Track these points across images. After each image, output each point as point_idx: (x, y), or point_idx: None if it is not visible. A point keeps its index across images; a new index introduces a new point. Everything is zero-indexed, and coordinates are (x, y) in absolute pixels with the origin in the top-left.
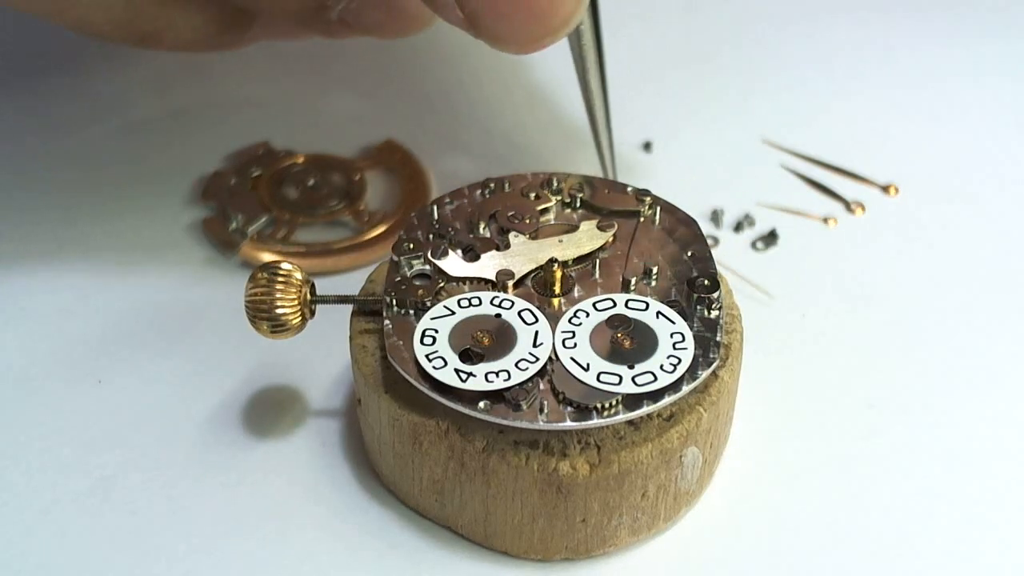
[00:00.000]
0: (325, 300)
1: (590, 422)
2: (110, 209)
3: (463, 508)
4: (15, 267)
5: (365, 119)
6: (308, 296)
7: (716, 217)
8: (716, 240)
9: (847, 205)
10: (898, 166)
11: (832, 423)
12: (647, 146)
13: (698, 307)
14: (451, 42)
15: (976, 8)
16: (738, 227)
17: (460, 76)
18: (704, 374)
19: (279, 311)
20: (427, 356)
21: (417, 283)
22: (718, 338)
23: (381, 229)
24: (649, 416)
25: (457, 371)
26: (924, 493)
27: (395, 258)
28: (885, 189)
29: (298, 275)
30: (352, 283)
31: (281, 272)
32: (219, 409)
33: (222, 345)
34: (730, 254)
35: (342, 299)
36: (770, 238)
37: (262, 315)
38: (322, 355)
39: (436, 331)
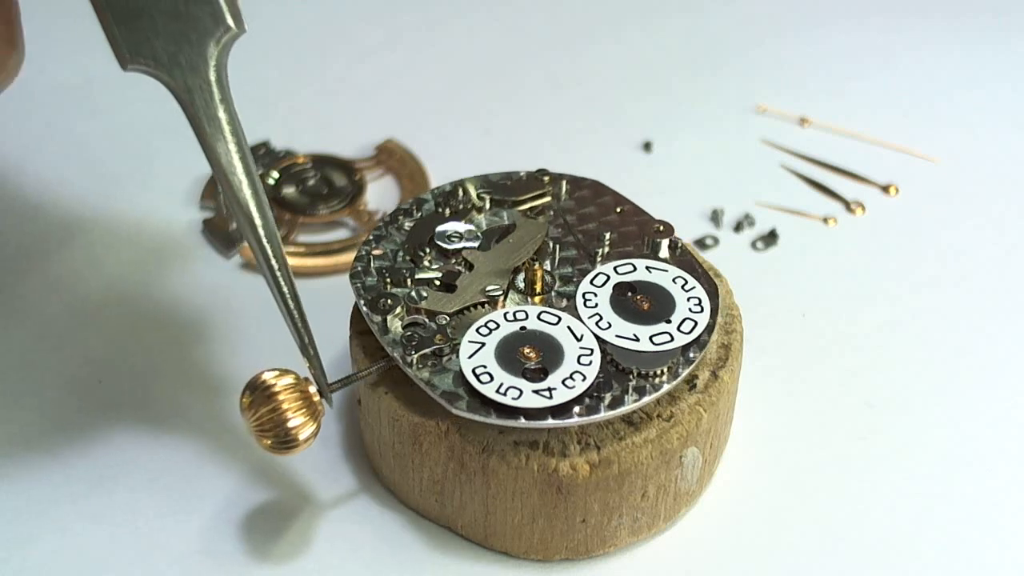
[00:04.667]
0: (336, 385)
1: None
2: (110, 209)
3: (463, 508)
4: (15, 267)
5: (365, 119)
6: (313, 398)
7: (716, 217)
8: (716, 240)
9: (847, 205)
10: (898, 166)
11: (832, 423)
12: (647, 146)
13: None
14: (451, 42)
15: (976, 9)
16: (738, 227)
17: (460, 76)
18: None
19: (291, 424)
20: (497, 390)
21: (422, 333)
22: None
23: None
24: (648, 416)
25: (537, 392)
26: (923, 493)
27: (377, 321)
28: (885, 189)
29: (284, 380)
30: None
31: (273, 388)
32: (218, 408)
33: (221, 345)
34: (730, 254)
35: (357, 376)
36: (770, 238)
37: (279, 441)
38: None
39: (484, 366)
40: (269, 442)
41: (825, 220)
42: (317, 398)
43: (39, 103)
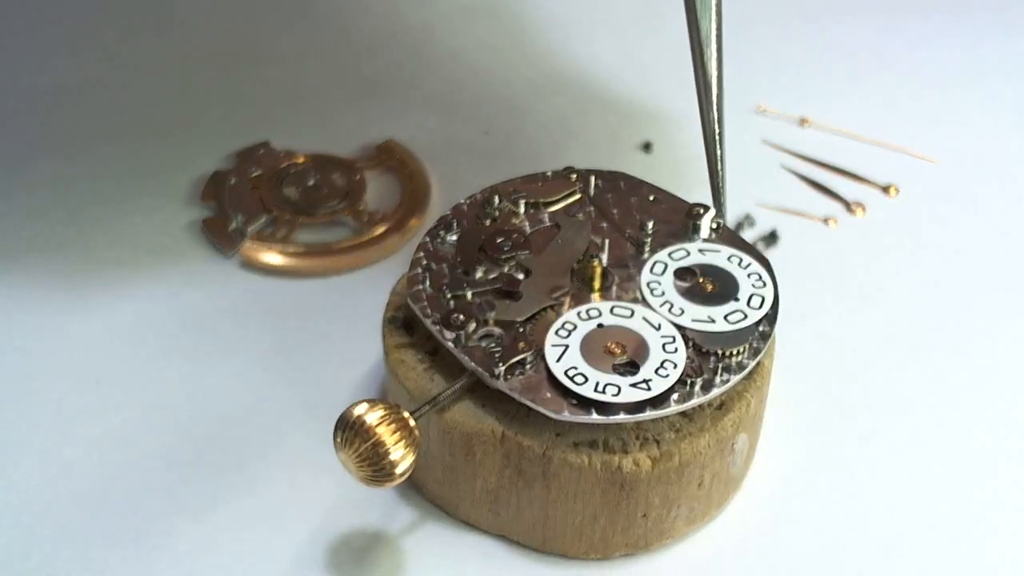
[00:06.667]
0: (425, 408)
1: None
2: (110, 209)
3: (519, 515)
4: (16, 267)
5: (365, 119)
6: (409, 422)
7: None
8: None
9: (847, 205)
10: (898, 166)
11: (832, 423)
12: (647, 146)
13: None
14: (451, 42)
15: (975, 9)
16: (738, 227)
17: (460, 76)
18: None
19: (392, 457)
20: (595, 389)
21: (502, 344)
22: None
23: (381, 229)
24: (700, 406)
25: (634, 385)
26: (923, 493)
27: (451, 337)
28: (885, 189)
29: (377, 413)
30: (352, 283)
31: (369, 422)
32: (224, 413)
33: (222, 345)
34: None
35: (443, 397)
36: (770, 238)
37: (381, 472)
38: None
39: (575, 367)
40: (367, 474)
41: (825, 221)
42: (413, 423)
43: (39, 103)
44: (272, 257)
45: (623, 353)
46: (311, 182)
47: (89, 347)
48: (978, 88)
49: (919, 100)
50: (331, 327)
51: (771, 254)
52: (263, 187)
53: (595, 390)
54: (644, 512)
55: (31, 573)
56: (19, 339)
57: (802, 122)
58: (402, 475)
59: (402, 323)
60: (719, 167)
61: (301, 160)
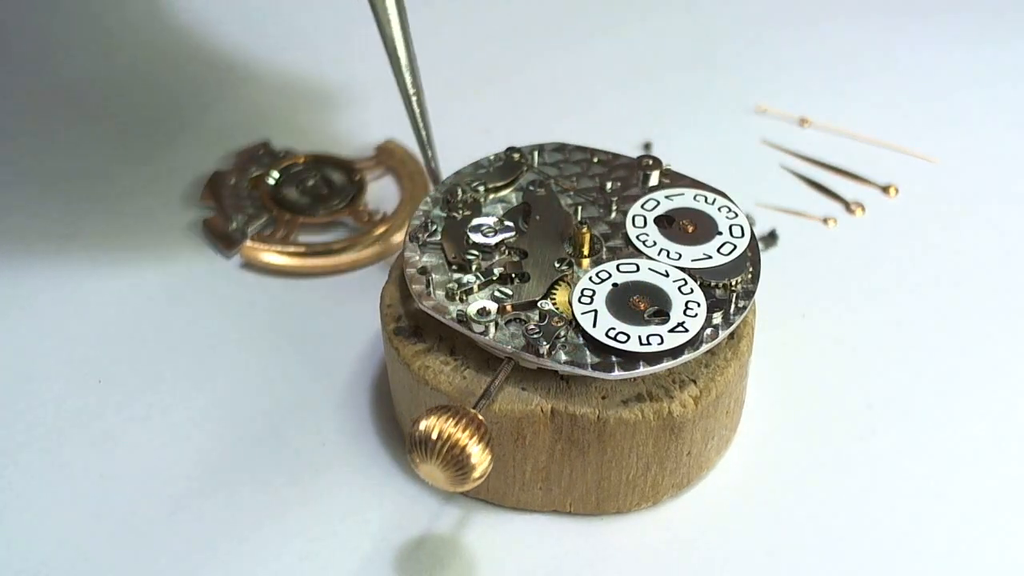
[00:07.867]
0: (484, 401)
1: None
2: (110, 209)
3: (572, 485)
4: (16, 267)
5: (365, 119)
6: (477, 416)
7: None
8: None
9: (847, 205)
10: (898, 166)
11: (832, 422)
12: (647, 146)
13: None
14: (451, 42)
15: (976, 10)
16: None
17: (460, 76)
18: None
19: (474, 459)
20: (640, 343)
21: (536, 325)
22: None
23: (381, 229)
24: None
25: (672, 331)
26: (923, 493)
27: (480, 330)
28: (885, 189)
29: (450, 421)
30: (352, 283)
31: (445, 432)
32: (222, 410)
33: (222, 345)
34: None
35: (493, 386)
36: (770, 238)
37: (465, 472)
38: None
39: (613, 328)
40: (451, 475)
41: (825, 221)
42: (481, 417)
43: (39, 103)
44: (272, 257)
45: (649, 305)
46: (311, 182)
47: (89, 347)
48: (978, 88)
49: (919, 100)
50: (331, 327)
51: (771, 254)
52: (263, 187)
53: (640, 343)
54: (689, 450)
55: (31, 573)
56: (19, 339)
57: (802, 122)
58: (485, 472)
59: (410, 332)
60: (421, 124)
61: (301, 160)
